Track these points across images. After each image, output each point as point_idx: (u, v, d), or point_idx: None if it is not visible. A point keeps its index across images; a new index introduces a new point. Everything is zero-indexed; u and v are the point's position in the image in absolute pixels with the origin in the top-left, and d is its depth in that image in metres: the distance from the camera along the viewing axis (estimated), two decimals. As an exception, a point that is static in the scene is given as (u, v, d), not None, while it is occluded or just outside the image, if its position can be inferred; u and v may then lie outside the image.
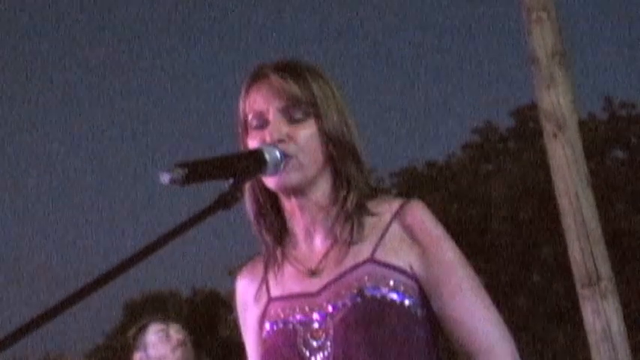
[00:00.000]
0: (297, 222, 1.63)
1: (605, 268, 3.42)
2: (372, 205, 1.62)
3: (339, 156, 1.60)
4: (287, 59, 1.64)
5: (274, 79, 1.59)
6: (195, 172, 1.45)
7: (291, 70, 1.61)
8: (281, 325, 1.59)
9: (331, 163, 1.61)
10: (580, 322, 3.52)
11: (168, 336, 3.14)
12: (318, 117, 1.59)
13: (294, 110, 1.59)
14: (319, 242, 1.62)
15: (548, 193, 4.57)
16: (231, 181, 1.49)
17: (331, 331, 1.54)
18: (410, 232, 1.59)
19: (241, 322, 1.71)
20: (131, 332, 3.20)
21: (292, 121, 1.59)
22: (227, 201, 1.45)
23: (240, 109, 1.64)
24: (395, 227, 1.59)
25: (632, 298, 17.55)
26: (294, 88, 1.58)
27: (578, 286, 3.44)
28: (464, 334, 1.55)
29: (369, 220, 1.61)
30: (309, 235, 1.63)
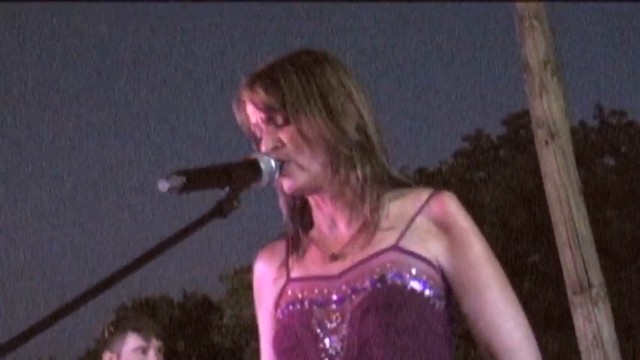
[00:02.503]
0: (322, 212, 1.64)
1: (596, 275, 3.44)
2: (398, 193, 1.62)
3: (329, 147, 1.59)
4: (277, 57, 1.64)
5: (246, 94, 1.62)
6: (193, 180, 1.45)
7: (261, 75, 1.61)
8: (297, 306, 1.59)
9: (330, 154, 1.60)
10: (571, 329, 3.53)
11: (144, 357, 3.05)
12: (294, 116, 1.59)
13: (274, 117, 1.60)
14: (343, 228, 1.63)
15: (540, 201, 4.59)
16: (227, 189, 1.49)
17: (348, 315, 1.54)
18: (438, 223, 1.57)
19: (256, 302, 1.71)
20: (108, 329, 3.09)
21: (277, 127, 1.61)
22: (224, 209, 1.45)
23: (245, 129, 1.67)
24: (422, 217, 1.58)
25: (623, 305, 17.59)
26: (263, 98, 1.60)
27: (569, 293, 3.45)
28: (487, 331, 1.54)
29: (395, 208, 1.60)
30: (333, 223, 1.64)
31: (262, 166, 1.56)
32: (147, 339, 3.06)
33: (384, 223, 1.59)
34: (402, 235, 1.58)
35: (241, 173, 1.52)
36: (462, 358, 18.89)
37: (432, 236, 1.57)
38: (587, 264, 3.44)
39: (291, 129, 1.59)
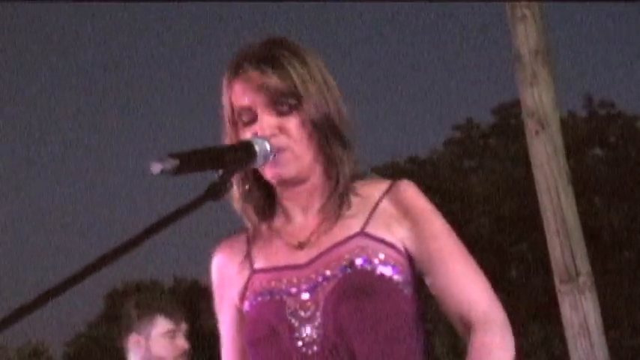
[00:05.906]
0: (294, 202, 1.64)
1: (583, 264, 3.47)
2: (360, 185, 1.64)
3: (326, 139, 1.61)
4: (266, 42, 1.63)
5: (253, 74, 1.59)
6: (187, 162, 1.44)
7: (268, 60, 1.59)
8: (267, 297, 1.58)
9: (321, 146, 1.62)
10: (557, 317, 3.56)
11: (174, 340, 3.00)
12: (302, 105, 1.60)
13: (278, 103, 1.59)
14: (311, 218, 1.63)
15: (529, 189, 4.62)
16: (221, 172, 1.49)
17: (321, 302, 1.54)
18: (400, 207, 1.60)
19: (217, 297, 1.70)
20: (134, 311, 3.01)
21: (280, 113, 1.59)
22: (217, 191, 1.45)
23: (227, 105, 1.64)
24: (385, 203, 1.61)
25: (610, 294, 17.69)
26: (274, 81, 1.58)
27: (556, 282, 3.48)
28: (458, 298, 1.56)
29: (358, 197, 1.62)
30: (303, 212, 1.64)
31: (257, 148, 1.56)
32: (176, 323, 3.00)
33: (348, 211, 1.61)
34: (367, 221, 1.60)
35: (235, 155, 1.52)
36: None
37: (395, 220, 1.60)
38: (574, 253, 3.46)
39: (296, 117, 1.59)
